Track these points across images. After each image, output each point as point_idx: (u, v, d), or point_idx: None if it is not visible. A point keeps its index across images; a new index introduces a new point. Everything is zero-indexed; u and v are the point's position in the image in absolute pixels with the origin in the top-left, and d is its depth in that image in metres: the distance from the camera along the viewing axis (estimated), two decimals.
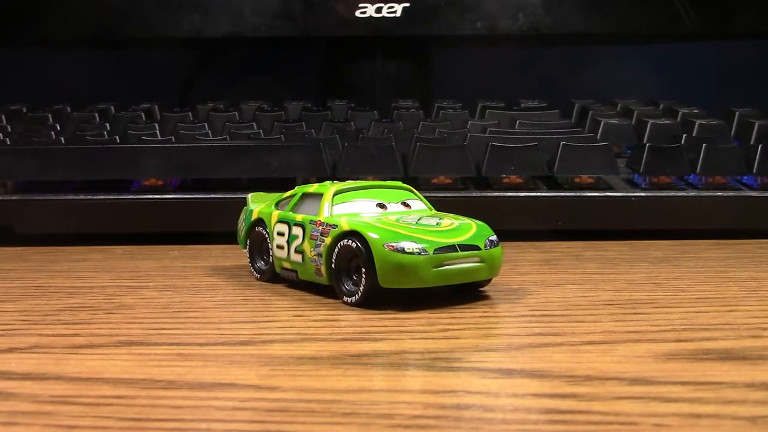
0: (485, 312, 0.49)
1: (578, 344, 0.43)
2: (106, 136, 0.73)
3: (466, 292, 0.52)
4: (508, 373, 0.40)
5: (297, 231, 0.53)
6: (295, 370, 0.40)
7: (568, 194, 0.68)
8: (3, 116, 0.81)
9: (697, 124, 0.77)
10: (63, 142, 0.72)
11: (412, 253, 0.48)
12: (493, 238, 0.51)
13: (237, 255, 0.62)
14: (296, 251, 0.53)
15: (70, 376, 0.39)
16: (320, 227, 0.52)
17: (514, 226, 0.67)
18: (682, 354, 0.41)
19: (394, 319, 0.48)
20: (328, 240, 0.51)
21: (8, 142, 0.72)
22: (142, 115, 0.82)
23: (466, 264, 0.50)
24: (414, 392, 0.38)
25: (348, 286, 0.51)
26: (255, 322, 0.49)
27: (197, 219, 0.68)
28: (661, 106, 0.85)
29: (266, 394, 0.37)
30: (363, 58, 0.94)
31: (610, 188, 0.69)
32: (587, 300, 0.52)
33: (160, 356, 0.42)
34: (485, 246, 0.51)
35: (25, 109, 0.84)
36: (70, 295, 0.54)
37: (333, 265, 0.51)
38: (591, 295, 0.53)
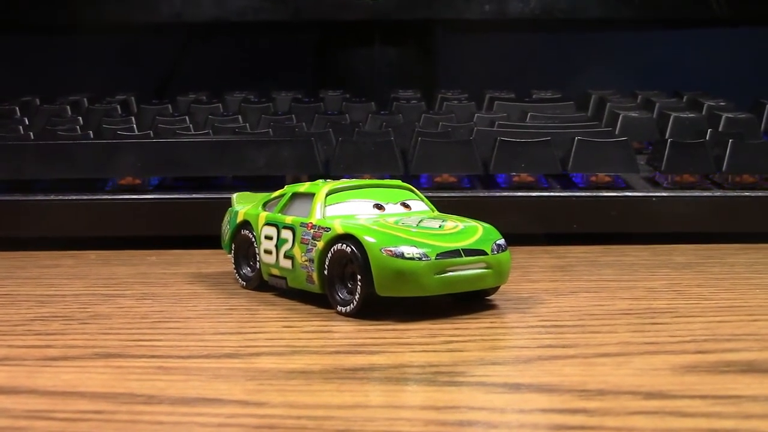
0: (492, 323, 0.51)
1: (591, 356, 0.44)
2: (79, 131, 0.74)
3: (472, 301, 0.53)
4: (515, 387, 0.41)
5: (286, 234, 0.54)
6: (285, 385, 0.41)
7: (583, 194, 0.69)
8: None
9: (723, 117, 0.78)
10: (32, 137, 0.73)
11: (412, 259, 0.49)
12: (501, 242, 0.52)
13: (221, 261, 0.63)
14: (285, 256, 0.54)
15: (45, 389, 0.41)
16: (312, 230, 0.53)
17: (525, 229, 0.68)
18: (702, 366, 0.43)
19: (393, 330, 0.49)
20: (320, 244, 0.52)
21: None
22: (118, 107, 0.83)
23: (471, 270, 0.51)
24: (414, 408, 0.39)
25: (342, 294, 0.52)
26: (241, 333, 0.50)
27: (177, 221, 0.69)
28: (685, 98, 0.86)
29: (254, 410, 0.38)
30: (359, 44, 0.95)
31: (629, 188, 0.70)
32: (603, 309, 0.53)
33: (140, 369, 0.43)
34: (492, 251, 0.51)
35: None
36: (41, 303, 0.55)
37: (326, 272, 0.52)
38: (607, 303, 0.54)
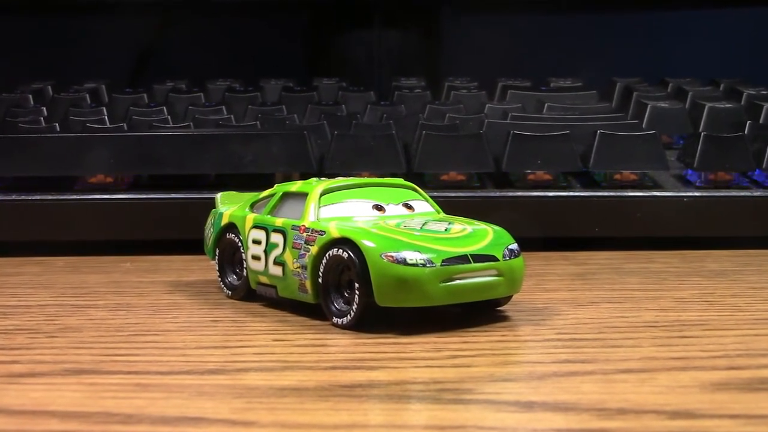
0: (503, 336, 0.52)
1: (612, 373, 0.45)
2: (43, 123, 0.75)
3: (481, 312, 0.54)
4: (528, 406, 0.42)
5: (276, 238, 0.55)
6: (276, 403, 0.42)
7: (606, 194, 0.70)
8: None
9: (765, 108, 0.78)
10: None
11: (415, 265, 0.50)
12: (514, 247, 0.53)
13: (204, 267, 0.64)
14: (276, 263, 0.55)
15: (11, 408, 0.42)
16: (305, 234, 0.54)
17: (540, 232, 0.69)
18: (734, 383, 0.44)
19: (394, 344, 0.50)
20: (314, 249, 0.53)
21: None
22: (87, 96, 0.84)
23: (480, 278, 0.52)
24: (416, 428, 0.40)
25: (338, 304, 0.53)
26: (226, 347, 0.51)
27: (155, 224, 0.70)
28: (722, 87, 0.87)
29: (241, 429, 0.39)
30: (357, 26, 0.96)
31: (658, 187, 0.71)
32: (626, 321, 0.54)
33: (115, 386, 0.44)
34: (504, 256, 0.52)
35: None
36: (3, 315, 0.56)
37: (320, 280, 0.53)
38: (631, 315, 0.55)
